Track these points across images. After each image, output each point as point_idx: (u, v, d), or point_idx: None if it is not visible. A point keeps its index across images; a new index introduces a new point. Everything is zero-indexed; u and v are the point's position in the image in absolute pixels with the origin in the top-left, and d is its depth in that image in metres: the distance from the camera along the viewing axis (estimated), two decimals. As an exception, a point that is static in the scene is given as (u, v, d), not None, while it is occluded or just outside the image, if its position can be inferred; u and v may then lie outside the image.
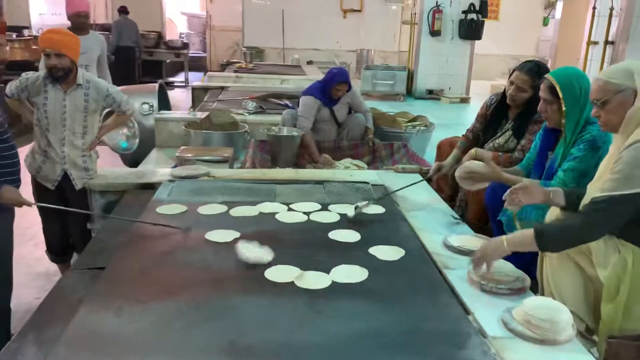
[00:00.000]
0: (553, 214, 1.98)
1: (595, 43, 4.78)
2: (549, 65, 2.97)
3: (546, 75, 2.19)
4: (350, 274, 1.89)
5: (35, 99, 2.70)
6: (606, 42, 4.71)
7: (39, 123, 2.73)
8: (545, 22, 14.10)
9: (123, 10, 10.23)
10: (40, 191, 2.79)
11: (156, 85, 5.45)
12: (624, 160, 1.64)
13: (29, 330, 1.54)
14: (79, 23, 4.22)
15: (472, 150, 2.64)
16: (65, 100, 2.69)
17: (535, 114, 2.67)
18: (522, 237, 1.78)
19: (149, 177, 2.92)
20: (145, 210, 2.42)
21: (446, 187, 3.11)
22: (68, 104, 2.69)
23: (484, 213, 2.62)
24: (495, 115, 2.90)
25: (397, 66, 9.62)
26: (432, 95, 8.90)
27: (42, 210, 2.83)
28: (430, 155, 3.98)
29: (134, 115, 3.08)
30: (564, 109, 2.12)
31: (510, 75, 2.79)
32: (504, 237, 1.81)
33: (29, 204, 2.29)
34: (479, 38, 8.70)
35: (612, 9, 3.76)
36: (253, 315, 1.62)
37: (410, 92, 9.26)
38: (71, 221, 2.82)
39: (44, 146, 2.72)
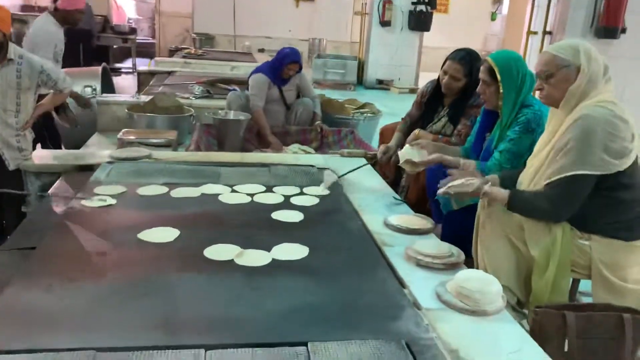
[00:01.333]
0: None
1: (535, 33, 4.95)
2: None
3: (486, 58, 2.25)
4: (291, 251, 1.90)
5: (-37, 75, 2.57)
6: (544, 32, 4.90)
7: (-33, 101, 2.59)
8: (493, 17, 14.50)
9: None
10: (-30, 172, 2.67)
11: (99, 68, 5.28)
12: (573, 139, 1.71)
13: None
14: (76, 20, 3.91)
15: (416, 131, 2.69)
16: (-4, 76, 2.57)
17: (470, 99, 2.74)
18: (496, 197, 1.88)
19: (87, 158, 2.83)
20: (82, 191, 2.34)
21: (390, 172, 3.16)
22: (-1, 81, 2.58)
23: (424, 195, 2.68)
24: (431, 103, 2.95)
25: (348, 56, 9.68)
26: (382, 85, 8.99)
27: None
28: (377, 141, 4.03)
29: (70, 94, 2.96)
30: (501, 91, 2.18)
31: (443, 65, 2.82)
32: (487, 186, 1.91)
33: None
34: (428, 30, 8.85)
35: (549, 1, 3.94)
36: (189, 292, 1.61)
37: (361, 82, 9.34)
38: (4, 204, 2.70)
39: (-26, 125, 2.59)
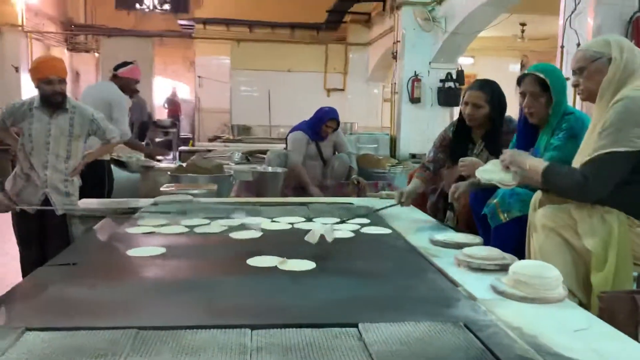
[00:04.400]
0: (536, 199, 1.98)
1: (567, 79, 4.98)
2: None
3: (530, 71, 2.25)
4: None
5: (20, 124, 2.73)
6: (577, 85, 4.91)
7: (22, 148, 2.73)
8: (521, 97, 14.69)
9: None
10: (20, 216, 2.75)
11: (142, 143, 5.54)
12: (610, 120, 1.68)
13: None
14: (132, 89, 4.17)
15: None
16: (50, 124, 2.72)
17: (503, 127, 2.71)
18: (537, 171, 1.86)
19: (131, 203, 2.89)
20: (126, 223, 2.37)
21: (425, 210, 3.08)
22: (53, 128, 2.72)
23: (473, 223, 2.59)
24: (459, 141, 2.84)
25: (380, 133, 9.89)
26: (416, 159, 9.08)
27: (20, 237, 2.77)
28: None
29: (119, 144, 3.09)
30: (554, 101, 2.17)
31: (462, 98, 2.80)
32: (530, 161, 1.92)
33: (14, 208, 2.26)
34: (457, 104, 9.00)
35: (578, 44, 3.98)
36: (232, 288, 1.57)
37: (394, 157, 9.45)
38: (51, 247, 2.74)
39: (26, 169, 2.71)
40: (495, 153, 2.75)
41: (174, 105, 15.28)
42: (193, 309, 1.40)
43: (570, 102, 2.36)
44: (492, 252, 1.80)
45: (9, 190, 2.74)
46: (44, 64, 2.76)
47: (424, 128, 9.16)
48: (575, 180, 1.71)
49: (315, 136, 4.16)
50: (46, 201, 2.73)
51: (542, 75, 2.18)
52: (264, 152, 5.79)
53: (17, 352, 1.12)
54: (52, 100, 2.69)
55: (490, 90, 2.70)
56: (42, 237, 2.61)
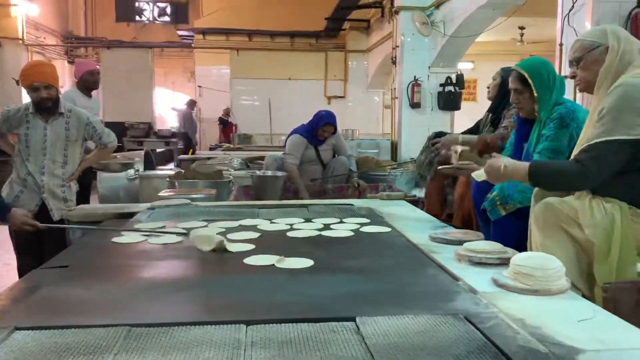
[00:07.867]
0: (537, 191, 1.95)
1: (565, 77, 4.96)
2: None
3: (513, 67, 2.28)
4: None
5: (16, 130, 2.71)
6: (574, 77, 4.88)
7: (19, 154, 2.72)
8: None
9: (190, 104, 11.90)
10: (16, 222, 2.71)
11: (142, 152, 5.53)
12: (610, 106, 1.66)
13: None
14: (91, 82, 4.04)
15: (460, 137, 2.83)
16: (46, 129, 2.70)
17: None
18: (518, 170, 1.81)
19: (128, 208, 2.86)
20: (122, 227, 2.35)
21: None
22: (49, 133, 2.70)
23: (469, 219, 2.58)
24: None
25: (381, 138, 9.89)
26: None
27: (17, 244, 2.74)
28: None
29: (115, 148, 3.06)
30: (536, 95, 2.16)
31: None
32: (504, 161, 1.86)
33: (39, 227, 2.24)
34: (458, 108, 8.95)
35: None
36: (228, 286, 1.54)
37: (395, 161, 9.43)
38: (48, 254, 2.71)
39: (24, 175, 2.69)
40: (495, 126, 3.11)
41: (227, 126, 13.16)
42: (187, 307, 1.38)
43: (570, 95, 2.34)
44: (493, 246, 1.77)
45: (5, 197, 2.71)
46: (28, 70, 2.74)
47: (426, 132, 9.12)
48: (569, 171, 1.70)
49: (313, 140, 4.14)
50: (43, 207, 2.71)
51: (522, 71, 2.21)
52: (264, 158, 5.78)
53: (5, 351, 1.10)
54: (42, 106, 2.67)
55: (504, 70, 3.13)
56: (40, 244, 2.58)
